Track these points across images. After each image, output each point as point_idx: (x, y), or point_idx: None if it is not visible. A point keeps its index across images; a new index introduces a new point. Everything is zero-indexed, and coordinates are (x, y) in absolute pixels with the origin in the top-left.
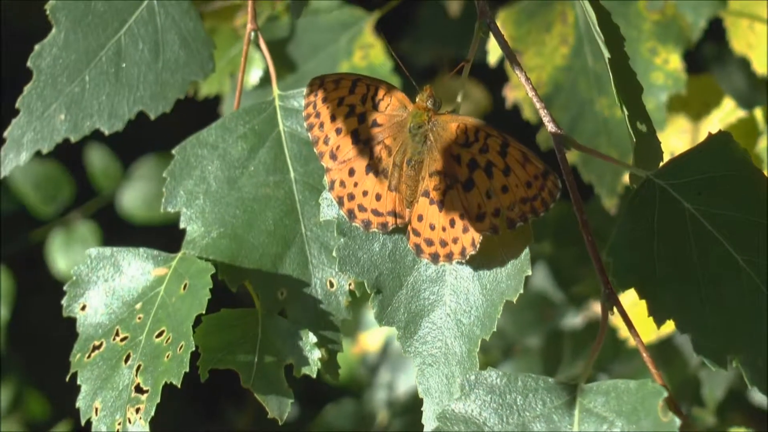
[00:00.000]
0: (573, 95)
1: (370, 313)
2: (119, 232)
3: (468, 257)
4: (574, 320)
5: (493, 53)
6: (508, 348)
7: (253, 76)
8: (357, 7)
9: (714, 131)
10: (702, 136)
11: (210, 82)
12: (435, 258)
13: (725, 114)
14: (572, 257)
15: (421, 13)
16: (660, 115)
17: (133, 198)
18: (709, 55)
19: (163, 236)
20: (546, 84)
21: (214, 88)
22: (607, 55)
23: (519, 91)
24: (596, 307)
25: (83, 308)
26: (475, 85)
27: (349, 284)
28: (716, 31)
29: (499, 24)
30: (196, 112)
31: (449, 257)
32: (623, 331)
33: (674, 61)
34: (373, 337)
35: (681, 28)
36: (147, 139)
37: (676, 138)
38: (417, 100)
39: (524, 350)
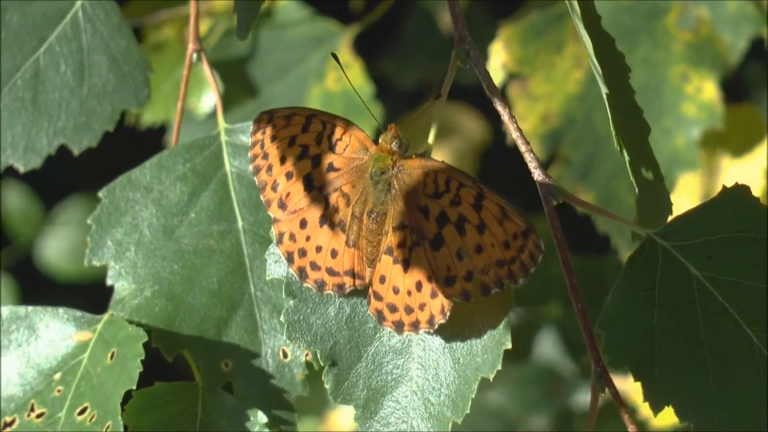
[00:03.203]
0: (588, 130)
1: None
2: (39, 288)
3: (437, 326)
4: (587, 397)
5: (494, 78)
6: (509, 428)
7: (207, 102)
8: (331, 20)
9: (751, 172)
10: (742, 177)
11: (154, 108)
12: (399, 326)
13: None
14: None
15: (407, 25)
16: (691, 155)
17: (56, 248)
18: (751, 81)
19: (92, 295)
20: (556, 115)
21: (160, 115)
22: (605, 90)
23: (522, 124)
24: (615, 382)
25: None
26: (470, 115)
27: (306, 354)
28: (758, 52)
29: (502, 43)
30: (136, 144)
31: (415, 326)
32: (645, 410)
33: (709, 90)
34: (345, 416)
35: (718, 51)
36: (74, 176)
37: (711, 180)
38: (380, 140)
39: None
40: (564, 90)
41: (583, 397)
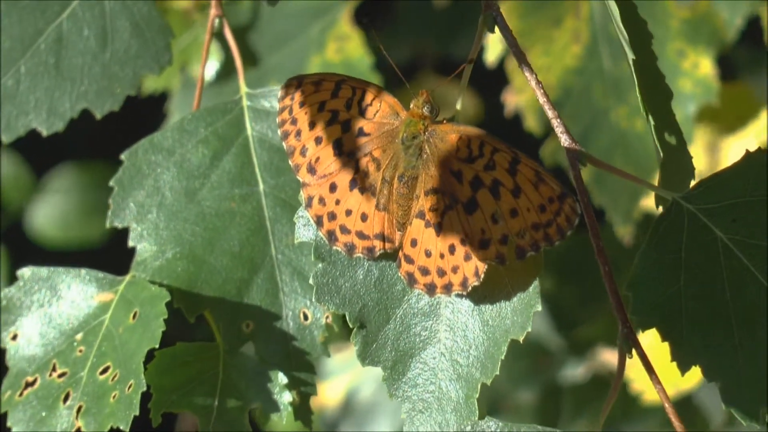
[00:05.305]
0: (585, 102)
1: (328, 360)
2: (29, 256)
3: (470, 289)
4: (575, 371)
5: (492, 50)
6: (496, 403)
7: (209, 69)
8: None
9: (752, 148)
10: (733, 154)
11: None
12: (431, 289)
13: (762, 128)
14: (574, 296)
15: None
16: (687, 129)
17: (46, 215)
18: (743, 60)
19: (83, 263)
20: (554, 88)
21: (161, 83)
22: (631, 56)
23: (522, 96)
24: (602, 356)
25: (14, 338)
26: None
27: (326, 317)
28: (752, 32)
29: None
30: (128, 114)
31: (448, 288)
32: (637, 384)
33: (705, 66)
34: (332, 387)
35: (714, 28)
36: (64, 144)
37: (704, 155)
38: (411, 106)
39: (514, 406)
40: (561, 63)
41: (570, 372)
